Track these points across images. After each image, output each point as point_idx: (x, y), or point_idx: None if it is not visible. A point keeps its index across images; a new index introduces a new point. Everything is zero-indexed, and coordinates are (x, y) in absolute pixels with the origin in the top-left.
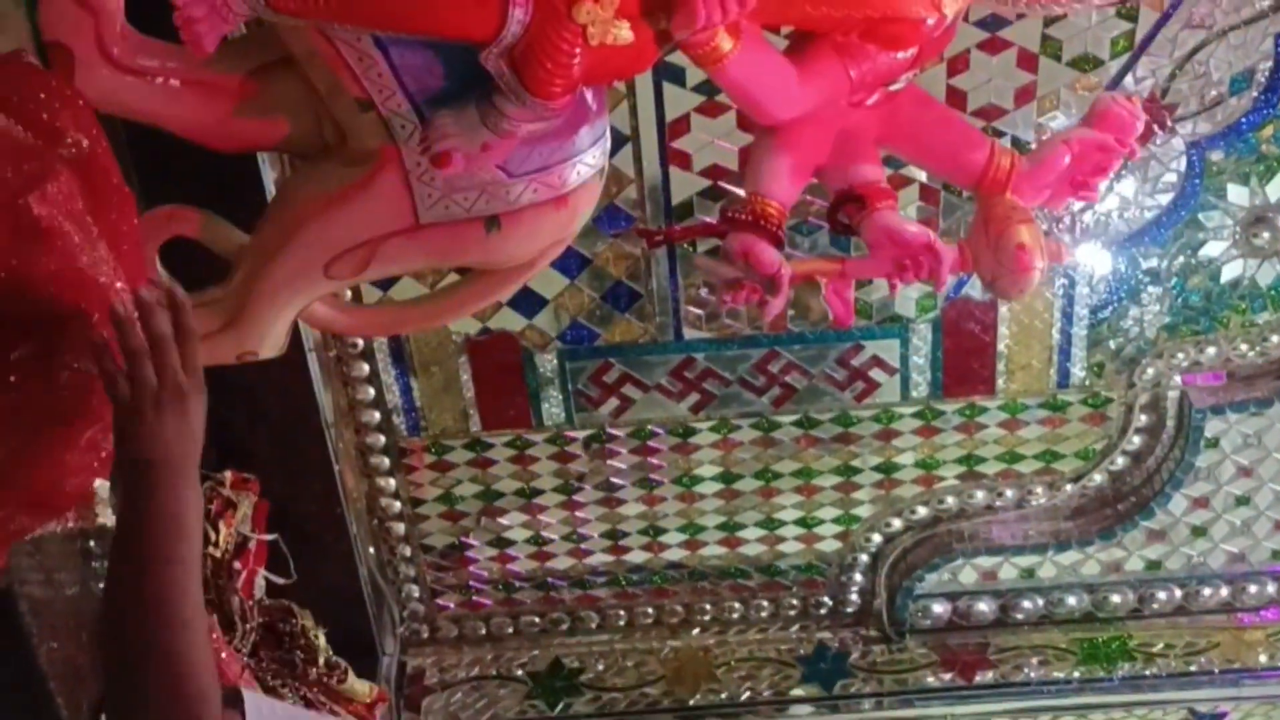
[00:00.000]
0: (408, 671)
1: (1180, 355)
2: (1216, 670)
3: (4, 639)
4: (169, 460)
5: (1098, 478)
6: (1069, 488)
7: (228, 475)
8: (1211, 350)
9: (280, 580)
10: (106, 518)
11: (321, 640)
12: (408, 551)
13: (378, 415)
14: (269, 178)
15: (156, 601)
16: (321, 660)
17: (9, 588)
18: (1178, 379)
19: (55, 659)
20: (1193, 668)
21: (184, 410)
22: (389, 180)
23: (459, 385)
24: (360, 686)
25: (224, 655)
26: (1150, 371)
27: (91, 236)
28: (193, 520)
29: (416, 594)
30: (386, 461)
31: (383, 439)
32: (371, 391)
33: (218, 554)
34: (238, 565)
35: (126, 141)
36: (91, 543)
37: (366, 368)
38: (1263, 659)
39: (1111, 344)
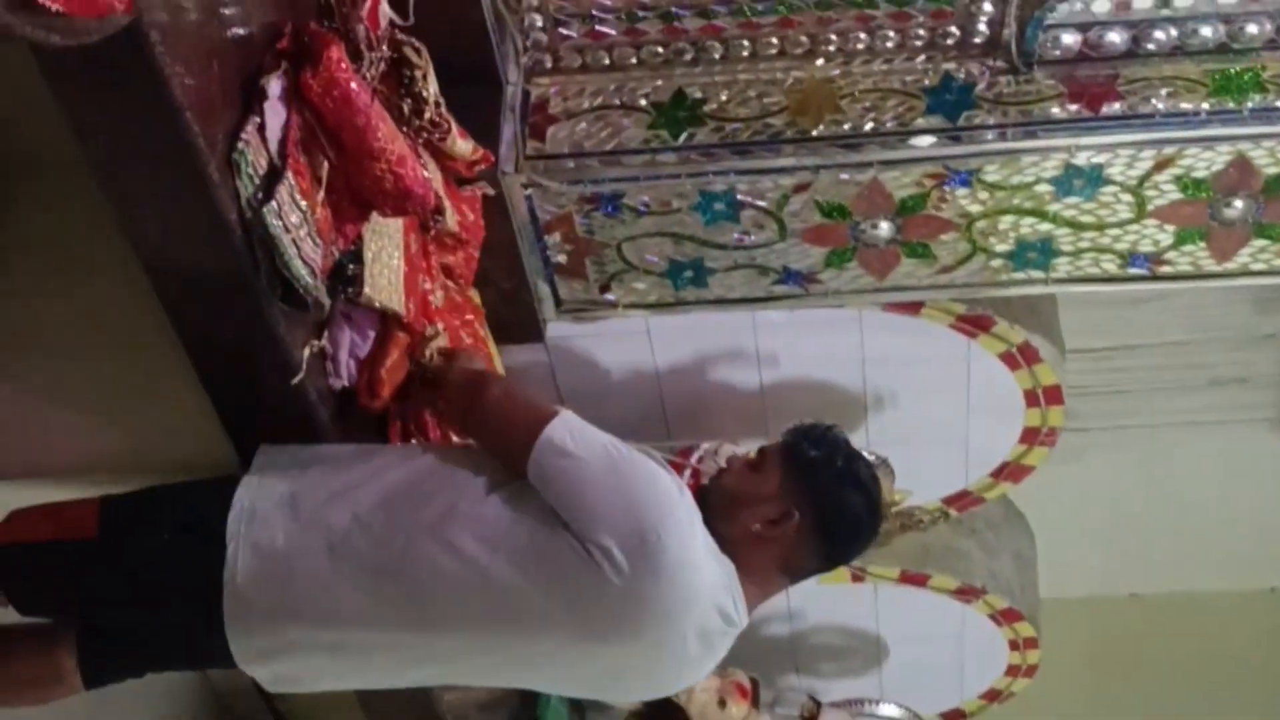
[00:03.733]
0: (531, 100)
1: None
2: None
3: (137, 69)
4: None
5: None
6: None
7: None
8: None
9: (400, 21)
10: None
11: (431, 92)
12: None
13: None
14: None
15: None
16: (427, 115)
17: (139, 18)
18: None
19: (189, 90)
20: None
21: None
22: None
23: None
24: (463, 146)
25: (354, 84)
26: None
27: None
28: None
29: (539, 23)
30: None
31: None
32: None
33: None
34: None
35: None
36: None
37: None
38: None
39: None
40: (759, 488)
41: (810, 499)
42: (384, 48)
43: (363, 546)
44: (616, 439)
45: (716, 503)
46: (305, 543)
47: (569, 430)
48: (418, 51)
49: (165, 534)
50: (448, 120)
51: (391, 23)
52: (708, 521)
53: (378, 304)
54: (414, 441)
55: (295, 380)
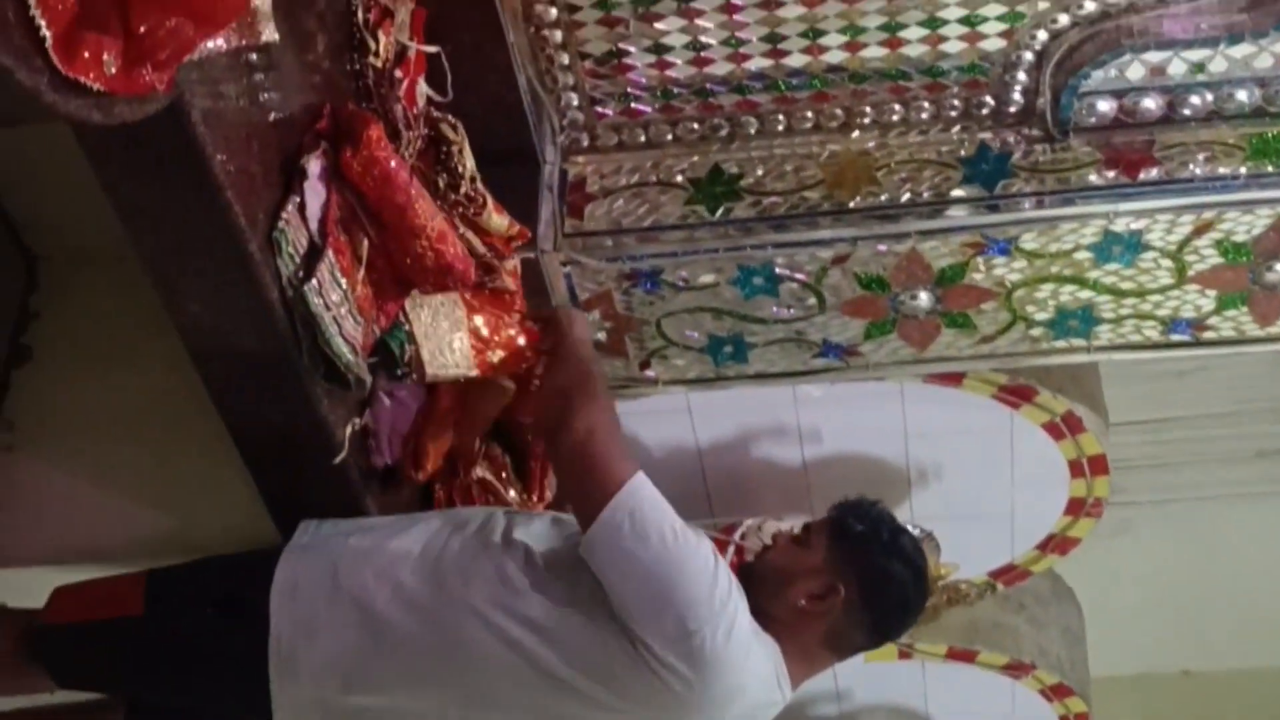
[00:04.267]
0: (569, 179)
1: None
2: None
3: (178, 148)
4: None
5: None
6: None
7: None
8: None
9: (439, 98)
10: (269, 34)
11: (467, 167)
12: (565, 60)
13: None
14: None
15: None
16: (463, 189)
17: (180, 99)
18: None
19: (229, 169)
20: None
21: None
22: None
23: None
24: (499, 221)
25: (393, 163)
26: None
27: None
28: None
29: (575, 102)
30: None
31: None
32: None
33: (378, 63)
34: (399, 74)
35: None
36: (254, 56)
37: None
38: None
39: None
40: (804, 563)
41: (856, 573)
42: (421, 125)
43: (406, 622)
44: (676, 519)
45: (762, 579)
46: (347, 618)
47: (631, 510)
48: (454, 127)
49: (209, 610)
50: (483, 195)
51: (429, 100)
52: (752, 598)
53: (446, 377)
54: (459, 508)
55: (338, 460)
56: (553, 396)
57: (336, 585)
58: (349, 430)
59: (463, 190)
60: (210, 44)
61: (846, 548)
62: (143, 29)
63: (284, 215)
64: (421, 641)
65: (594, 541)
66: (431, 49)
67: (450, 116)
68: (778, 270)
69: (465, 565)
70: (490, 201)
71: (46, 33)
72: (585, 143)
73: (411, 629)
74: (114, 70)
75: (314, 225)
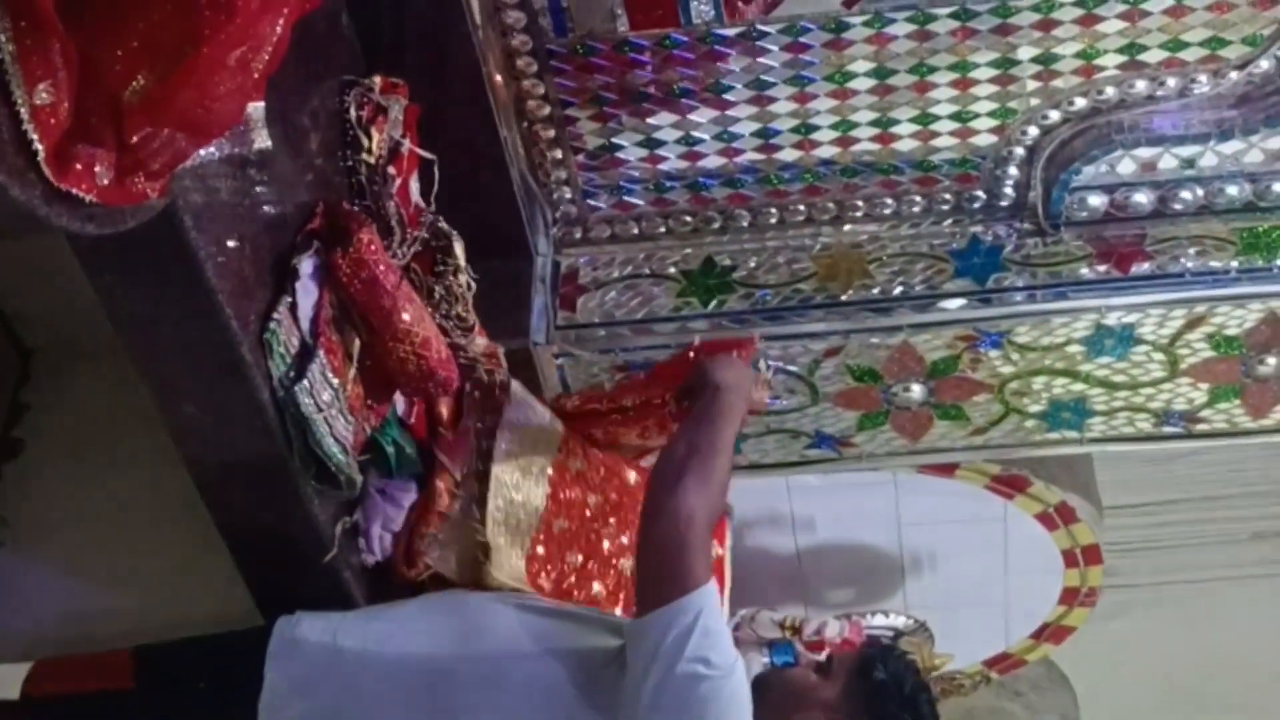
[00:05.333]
0: (562, 271)
1: None
2: None
3: (171, 253)
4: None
5: (1264, 64)
6: (1234, 75)
7: (377, 80)
8: None
9: (424, 206)
10: (262, 141)
11: (463, 286)
12: (558, 154)
13: (524, 17)
14: None
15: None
16: (455, 310)
17: (173, 204)
18: None
19: (222, 272)
20: None
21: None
22: None
23: None
24: (480, 342)
25: (382, 266)
26: None
27: None
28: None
29: (568, 195)
30: (534, 64)
31: (530, 41)
32: None
33: (372, 159)
34: (392, 171)
35: None
36: (251, 158)
37: None
38: None
39: None
40: (819, 692)
41: (867, 716)
42: (423, 229)
43: (410, 687)
44: (729, 636)
45: (775, 692)
46: (345, 677)
47: (699, 611)
48: (459, 243)
49: (201, 682)
50: (474, 320)
51: (434, 208)
52: (758, 706)
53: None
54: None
55: (328, 558)
56: (668, 458)
57: (338, 647)
58: (339, 529)
59: (455, 311)
60: (203, 151)
61: (865, 689)
62: (135, 140)
63: (275, 316)
64: (418, 700)
65: (647, 627)
66: (428, 155)
67: (456, 233)
68: (771, 362)
69: (467, 629)
70: (477, 325)
71: (39, 146)
72: (578, 235)
73: (413, 697)
74: (107, 181)
75: (305, 325)
